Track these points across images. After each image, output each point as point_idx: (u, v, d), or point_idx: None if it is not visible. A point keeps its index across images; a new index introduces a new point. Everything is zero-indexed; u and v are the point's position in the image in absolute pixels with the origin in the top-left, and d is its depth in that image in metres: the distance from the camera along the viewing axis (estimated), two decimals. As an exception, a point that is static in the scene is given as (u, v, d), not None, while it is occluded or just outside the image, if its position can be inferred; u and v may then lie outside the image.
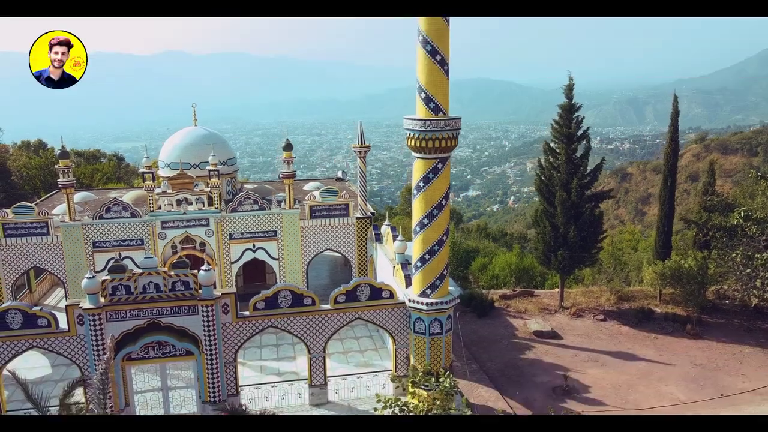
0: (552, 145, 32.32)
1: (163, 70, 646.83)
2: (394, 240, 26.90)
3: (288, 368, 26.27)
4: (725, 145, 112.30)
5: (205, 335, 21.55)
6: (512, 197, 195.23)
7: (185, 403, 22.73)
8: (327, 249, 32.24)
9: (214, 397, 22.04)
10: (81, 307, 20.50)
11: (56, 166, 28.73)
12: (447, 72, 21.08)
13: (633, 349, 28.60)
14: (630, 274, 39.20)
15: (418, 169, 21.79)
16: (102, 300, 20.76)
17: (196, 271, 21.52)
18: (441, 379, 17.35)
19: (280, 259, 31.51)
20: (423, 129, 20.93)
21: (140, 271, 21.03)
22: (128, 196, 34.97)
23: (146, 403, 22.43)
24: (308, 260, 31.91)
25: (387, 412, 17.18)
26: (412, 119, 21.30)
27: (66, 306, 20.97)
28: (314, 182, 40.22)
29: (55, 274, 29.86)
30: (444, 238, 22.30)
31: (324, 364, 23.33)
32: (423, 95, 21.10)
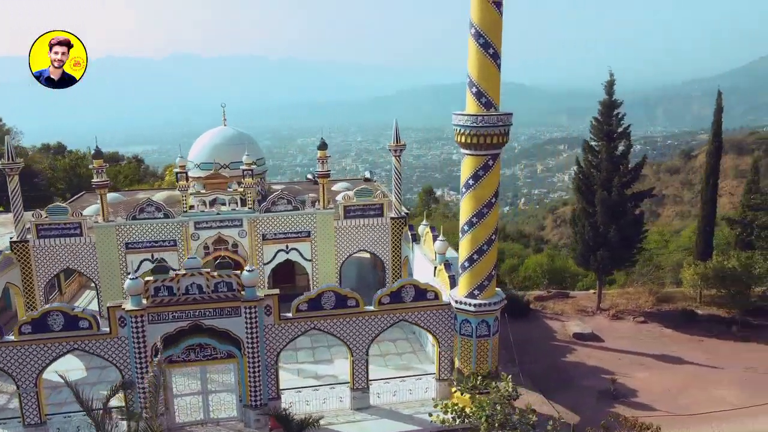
0: (592, 143, 31.59)
1: (172, 73, 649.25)
2: (434, 240, 26.28)
3: (326, 371, 25.70)
4: (740, 146, 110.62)
5: (247, 337, 20.98)
6: (523, 199, 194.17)
7: (225, 407, 22.13)
8: (361, 249, 31.64)
9: (256, 400, 21.47)
10: (123, 309, 19.98)
11: (90, 166, 28.31)
12: (499, 66, 20.46)
13: (679, 351, 27.81)
14: (664, 275, 38.36)
15: (467, 166, 21.16)
16: (144, 301, 20.23)
17: (239, 271, 21.01)
18: (503, 383, 16.66)
19: (314, 260, 30.93)
20: (475, 125, 20.31)
21: (183, 271, 20.51)
22: (157, 197, 34.51)
23: (186, 407, 21.87)
24: (342, 261, 31.32)
25: (448, 416, 16.60)
26: (462, 115, 20.68)
27: (108, 307, 20.46)
28: (343, 182, 39.71)
29: (87, 275, 29.41)
30: (493, 237, 21.67)
31: (366, 367, 22.71)
32: (474, 90, 20.48)
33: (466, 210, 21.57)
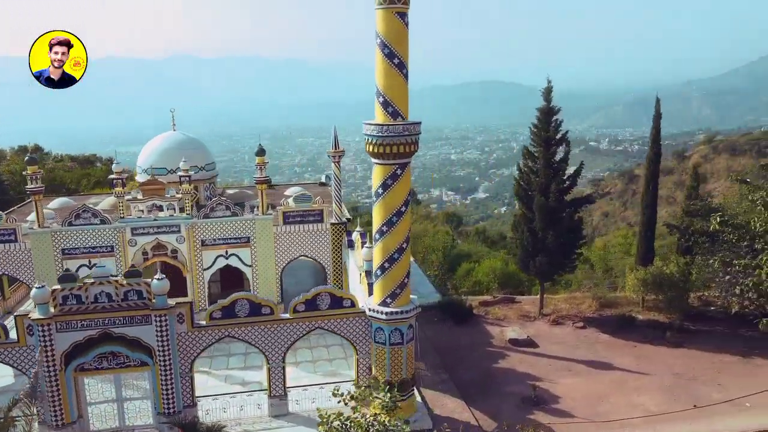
0: (531, 149, 31.66)
1: (172, 74, 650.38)
2: (362, 247, 26.37)
3: (253, 378, 25.74)
4: (734, 146, 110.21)
5: (158, 345, 21.10)
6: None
7: (141, 414, 22.26)
8: (301, 255, 31.70)
9: (169, 408, 21.56)
10: (30, 318, 20.13)
11: (24, 173, 28.45)
12: (406, 76, 20.56)
13: (610, 357, 27.84)
14: (617, 279, 38.38)
15: (377, 175, 21.27)
16: (52, 310, 20.37)
17: (149, 280, 21.13)
18: (380, 394, 16.71)
19: (254, 265, 31.03)
20: (381, 134, 20.46)
21: (91, 280, 20.63)
22: (106, 202, 34.75)
23: (101, 415, 22.01)
24: (282, 267, 31.40)
25: (328, 426, 16.60)
26: (370, 124, 20.82)
27: (15, 316, 20.62)
28: (296, 187, 39.83)
29: (24, 281, 29.58)
30: (404, 245, 21.75)
31: (284, 374, 22.84)
32: (381, 99, 20.61)
33: (376, 219, 21.67)
